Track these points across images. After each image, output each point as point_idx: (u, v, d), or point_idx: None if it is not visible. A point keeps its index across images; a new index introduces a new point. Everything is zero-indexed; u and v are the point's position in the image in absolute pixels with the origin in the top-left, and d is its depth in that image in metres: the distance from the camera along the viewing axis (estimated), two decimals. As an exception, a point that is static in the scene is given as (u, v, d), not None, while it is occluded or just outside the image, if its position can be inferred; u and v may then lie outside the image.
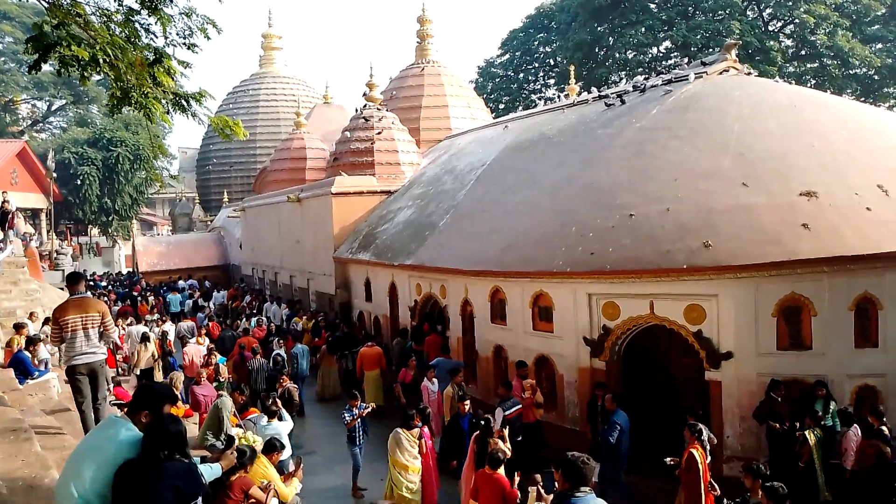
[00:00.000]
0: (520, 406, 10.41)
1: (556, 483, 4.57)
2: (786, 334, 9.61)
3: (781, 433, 9.07)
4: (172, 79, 8.39)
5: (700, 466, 7.78)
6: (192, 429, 11.19)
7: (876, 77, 36.84)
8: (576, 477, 4.17)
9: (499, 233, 13.24)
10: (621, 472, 9.47)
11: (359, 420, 10.34)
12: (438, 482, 9.80)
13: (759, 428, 9.46)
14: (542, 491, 7.07)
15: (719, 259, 9.56)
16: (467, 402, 10.29)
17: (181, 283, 29.58)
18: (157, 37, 8.50)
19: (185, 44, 8.57)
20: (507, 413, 9.96)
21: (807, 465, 8.91)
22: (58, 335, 7.05)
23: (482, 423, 8.83)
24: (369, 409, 10.70)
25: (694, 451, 7.89)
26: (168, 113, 9.08)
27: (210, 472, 4.64)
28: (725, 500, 7.16)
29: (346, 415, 10.47)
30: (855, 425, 8.80)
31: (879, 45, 36.24)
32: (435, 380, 12.16)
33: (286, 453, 9.48)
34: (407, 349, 14.60)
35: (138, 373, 15.37)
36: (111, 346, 15.55)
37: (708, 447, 8.24)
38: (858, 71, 36.89)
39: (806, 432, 8.85)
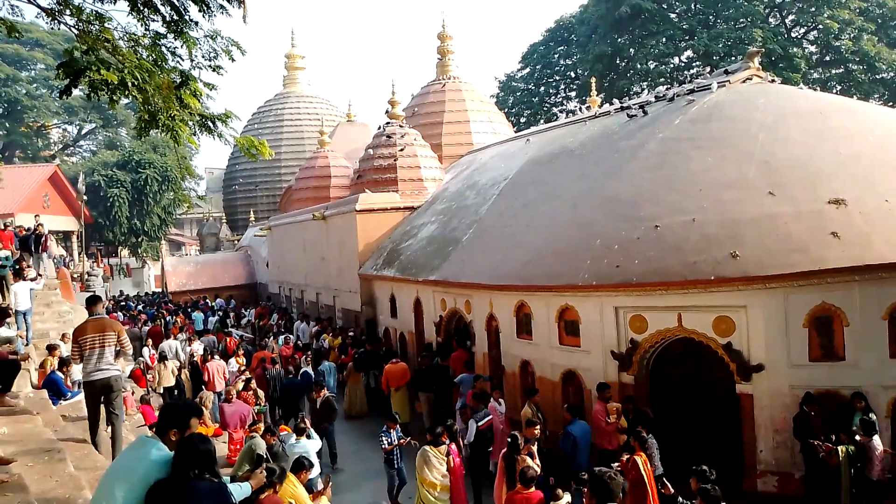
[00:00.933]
0: (491, 417, 10.86)
1: (583, 499, 4.54)
2: (818, 345, 9.41)
3: (818, 449, 8.88)
4: (198, 100, 8.54)
5: (644, 472, 7.92)
6: (222, 448, 11.28)
7: (904, 81, 36.31)
8: (603, 492, 4.15)
9: (522, 247, 13.21)
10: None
11: (397, 445, 10.30)
12: (466, 499, 9.76)
13: (792, 441, 9.27)
14: None
15: (747, 269, 9.43)
16: (537, 427, 9.39)
17: (219, 300, 30.07)
18: (183, 60, 8.66)
19: (210, 66, 8.73)
20: (479, 424, 10.49)
21: (833, 479, 8.73)
22: (77, 353, 7.74)
23: (509, 440, 8.78)
24: (407, 441, 10.52)
25: (637, 458, 8.05)
26: (194, 134, 9.22)
27: (240, 491, 4.68)
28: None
29: (383, 438, 10.42)
30: (876, 436, 8.62)
31: (906, 49, 35.71)
32: (502, 400, 11.58)
33: (315, 471, 9.51)
34: (434, 365, 14.57)
35: (161, 391, 15.56)
36: (142, 367, 15.85)
37: (654, 453, 8.62)
38: (885, 75, 36.39)
39: (839, 447, 8.68)
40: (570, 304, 11.59)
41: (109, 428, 7.95)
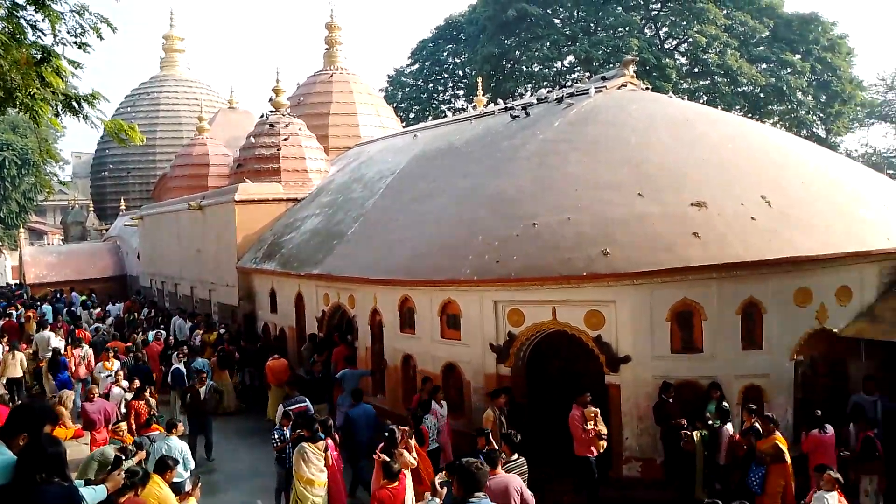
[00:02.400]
0: (305, 404, 11.15)
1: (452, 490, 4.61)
2: (679, 338, 10.05)
3: (677, 433, 9.48)
4: (62, 79, 7.95)
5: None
6: (84, 449, 10.58)
7: (761, 95, 39.34)
8: (470, 483, 4.22)
9: (408, 241, 13.24)
10: (360, 458, 10.21)
11: (289, 443, 9.92)
12: (346, 494, 9.68)
13: (654, 429, 9.85)
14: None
15: (617, 266, 9.91)
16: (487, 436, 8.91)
17: (74, 294, 28.08)
18: (45, 34, 8.04)
19: (76, 43, 8.15)
20: (293, 408, 10.78)
21: (689, 463, 9.37)
22: None
23: (386, 434, 8.77)
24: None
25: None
26: (58, 115, 8.58)
27: (94, 495, 4.39)
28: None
29: (276, 435, 10.08)
30: (729, 423, 9.36)
31: (764, 66, 38.72)
32: (443, 402, 11.05)
33: (186, 472, 9.12)
34: (310, 362, 14.30)
35: (5, 381, 14.62)
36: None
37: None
38: (746, 89, 39.30)
39: (694, 433, 9.31)
40: (452, 298, 11.74)
41: None
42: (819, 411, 9.34)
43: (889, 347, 10.04)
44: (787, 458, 8.50)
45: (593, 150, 12.45)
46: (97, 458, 7.90)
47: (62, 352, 16.14)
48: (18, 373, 15.42)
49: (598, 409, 9.76)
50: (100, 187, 41.52)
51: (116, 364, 14.86)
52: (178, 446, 9.17)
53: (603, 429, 9.68)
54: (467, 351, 11.59)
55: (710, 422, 9.51)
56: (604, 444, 9.72)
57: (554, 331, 10.79)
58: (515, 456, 7.90)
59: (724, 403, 9.69)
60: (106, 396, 12.43)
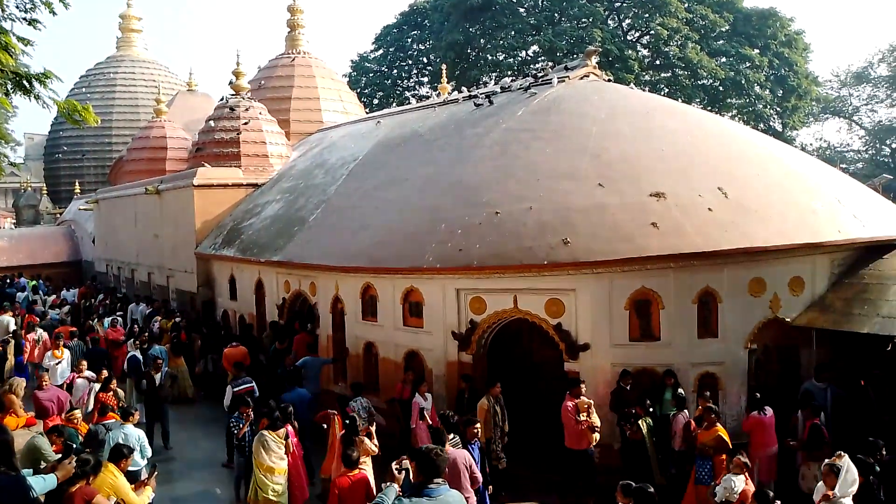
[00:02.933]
0: (251, 384, 11.54)
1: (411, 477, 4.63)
2: (637, 326, 10.21)
3: (625, 428, 9.65)
4: (12, 56, 7.69)
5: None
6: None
7: (721, 88, 40.05)
8: (429, 468, 4.24)
9: (370, 228, 13.17)
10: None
11: (248, 430, 9.76)
12: (308, 481, 9.63)
13: (612, 416, 10.01)
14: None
15: (577, 255, 10.01)
16: (476, 426, 8.67)
17: (22, 280, 27.24)
18: (-10, 10, 7.76)
19: (25, 18, 7.89)
20: (236, 390, 11.22)
21: (641, 451, 9.57)
22: None
23: (346, 421, 8.75)
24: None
25: None
26: (7, 95, 8.30)
27: (43, 483, 4.29)
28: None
29: (234, 423, 9.96)
30: (685, 410, 9.57)
31: (723, 59, 39.39)
32: (428, 395, 10.74)
33: (142, 461, 8.98)
34: (272, 351, 14.17)
35: None
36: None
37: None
38: (706, 82, 39.96)
39: (640, 421, 9.48)
40: (415, 286, 11.73)
41: None
42: (758, 394, 9.60)
43: (839, 336, 10.34)
44: (731, 447, 8.63)
45: (555, 139, 12.52)
46: (36, 445, 7.59)
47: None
48: None
49: (591, 401, 9.49)
50: (54, 170, 40.28)
51: (67, 353, 14.41)
52: (135, 434, 9.00)
53: (596, 421, 9.34)
54: (429, 339, 11.61)
55: (650, 409, 9.73)
56: (596, 436, 9.34)
57: (515, 318, 10.86)
58: (452, 436, 7.97)
59: (680, 391, 9.89)
60: (69, 388, 12.08)
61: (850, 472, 6.87)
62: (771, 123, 41.27)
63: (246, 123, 20.92)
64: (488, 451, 9.40)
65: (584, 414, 9.34)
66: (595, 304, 10.17)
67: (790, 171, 12.12)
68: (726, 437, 8.69)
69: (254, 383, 11.85)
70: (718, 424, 8.85)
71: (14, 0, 7.81)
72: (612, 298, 10.13)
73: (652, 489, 6.41)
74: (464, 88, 20.51)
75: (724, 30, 39.56)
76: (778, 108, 41.22)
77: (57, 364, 14.02)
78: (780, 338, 10.70)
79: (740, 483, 7.40)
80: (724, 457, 8.31)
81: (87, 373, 12.64)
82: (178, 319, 17.82)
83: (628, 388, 9.87)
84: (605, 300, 10.15)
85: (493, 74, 41.15)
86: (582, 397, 9.52)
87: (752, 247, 10.02)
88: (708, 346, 10.22)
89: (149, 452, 9.30)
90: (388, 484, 4.75)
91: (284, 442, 8.93)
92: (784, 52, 39.39)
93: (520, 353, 12.16)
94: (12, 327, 17.03)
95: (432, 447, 4.31)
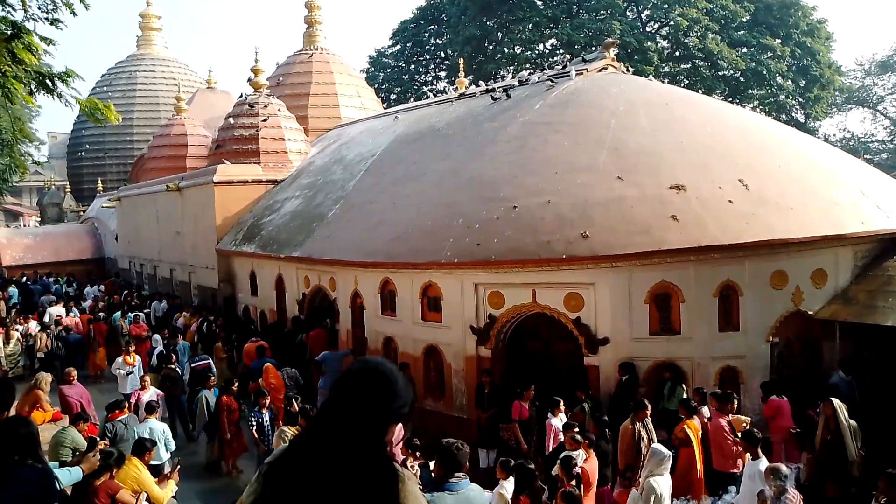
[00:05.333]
0: (207, 361, 12.85)
1: (431, 471, 4.63)
2: (657, 320, 10.15)
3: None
4: (35, 56, 7.78)
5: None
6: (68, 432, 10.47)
7: (742, 79, 39.51)
8: (450, 463, 4.24)
9: (388, 224, 13.21)
10: None
11: (268, 423, 9.89)
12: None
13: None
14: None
15: (596, 249, 9.97)
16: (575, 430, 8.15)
17: (44, 279, 27.70)
18: (15, 10, 7.86)
19: (47, 19, 7.98)
20: (194, 366, 12.49)
21: None
22: None
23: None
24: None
25: None
26: (31, 94, 8.40)
27: (69, 476, 4.37)
28: None
29: (253, 417, 10.05)
30: (704, 407, 9.30)
31: (744, 50, 38.84)
32: (562, 415, 9.24)
33: (166, 454, 9.10)
34: (298, 343, 14.25)
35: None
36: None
37: None
38: (726, 73, 39.43)
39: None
40: (433, 281, 11.75)
41: None
42: (772, 377, 9.69)
43: (863, 329, 10.21)
44: (695, 443, 8.41)
45: (573, 132, 12.46)
46: (65, 440, 7.72)
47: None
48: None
49: (748, 419, 8.67)
50: (76, 168, 40.86)
51: (138, 360, 13.54)
52: (159, 428, 9.14)
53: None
54: (448, 333, 11.63)
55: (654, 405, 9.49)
56: (747, 456, 7.86)
57: (534, 313, 10.85)
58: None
59: (683, 386, 9.83)
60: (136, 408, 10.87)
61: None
62: (793, 114, 40.67)
63: (265, 120, 21.05)
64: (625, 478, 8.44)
65: (740, 433, 8.32)
66: (614, 297, 10.12)
67: (812, 163, 11.97)
68: (692, 433, 8.46)
69: (210, 360, 13.23)
70: (689, 420, 8.65)
71: (36, 1, 7.89)
72: (632, 292, 10.08)
73: (532, 466, 6.54)
74: (481, 83, 20.51)
75: (744, 20, 38.98)
76: (800, 99, 40.60)
77: (129, 373, 13.16)
78: (802, 331, 10.59)
79: (581, 458, 7.54)
80: (688, 449, 8.33)
81: (152, 389, 11.47)
82: (211, 318, 17.72)
83: (622, 380, 9.85)
84: (624, 294, 10.10)
85: (511, 68, 40.92)
86: (737, 415, 8.73)
87: (774, 239, 9.91)
88: (729, 340, 10.14)
89: (172, 446, 9.44)
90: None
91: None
92: (806, 41, 38.76)
93: (538, 347, 12.13)
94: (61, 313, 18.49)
95: (454, 441, 4.31)
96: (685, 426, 8.61)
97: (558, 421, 9.03)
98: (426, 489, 4.29)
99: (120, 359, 13.39)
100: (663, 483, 7.11)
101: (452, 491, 4.14)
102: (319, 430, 2.27)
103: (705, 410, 9.32)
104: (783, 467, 6.82)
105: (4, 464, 3.53)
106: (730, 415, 8.74)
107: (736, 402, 8.95)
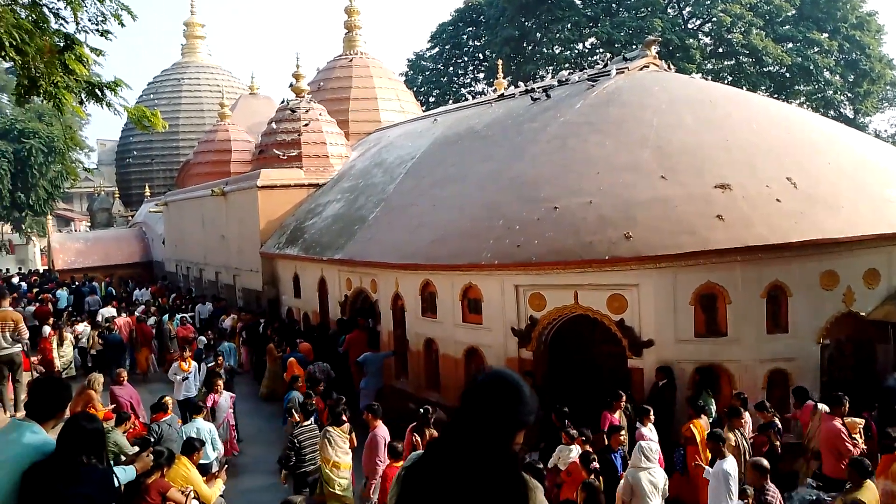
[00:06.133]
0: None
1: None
2: (702, 321, 9.97)
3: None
4: (85, 67, 8.01)
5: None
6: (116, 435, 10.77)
7: (787, 75, 38.59)
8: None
9: (428, 226, 13.26)
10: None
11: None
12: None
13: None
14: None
15: (639, 250, 9.85)
16: (622, 433, 8.41)
17: (93, 283, 28.46)
18: (67, 22, 8.11)
19: (97, 30, 8.20)
20: (209, 365, 12.51)
21: None
22: None
23: (421, 411, 8.90)
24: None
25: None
26: (81, 103, 8.65)
27: (124, 475, 4.49)
28: None
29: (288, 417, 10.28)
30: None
31: (790, 45, 37.92)
32: (651, 425, 8.80)
33: (213, 454, 9.28)
34: (341, 342, 14.34)
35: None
36: (25, 349, 15.03)
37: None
38: (772, 69, 38.54)
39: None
40: (473, 282, 11.75)
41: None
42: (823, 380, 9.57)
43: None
44: (699, 442, 8.39)
45: (615, 131, 12.33)
46: (108, 442, 7.91)
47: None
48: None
49: (862, 420, 8.32)
50: (125, 174, 42.05)
51: (194, 365, 13.17)
52: (206, 428, 9.34)
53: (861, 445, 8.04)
54: (489, 335, 11.61)
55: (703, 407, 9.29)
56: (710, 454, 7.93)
57: (576, 314, 10.76)
58: (309, 421, 9.27)
59: (708, 390, 9.68)
60: (212, 411, 11.09)
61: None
62: (842, 110, 39.55)
63: (306, 125, 21.34)
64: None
65: (857, 435, 8.09)
66: (658, 299, 9.97)
67: (862, 159, 11.63)
68: (696, 432, 8.48)
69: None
70: (696, 420, 8.64)
71: (87, 14, 8.10)
72: (677, 293, 9.92)
73: (541, 465, 6.75)
74: (520, 83, 20.41)
75: (790, 14, 38.07)
76: (849, 94, 39.47)
77: (184, 379, 12.79)
78: (854, 332, 10.29)
79: (574, 453, 7.91)
80: (694, 447, 8.37)
81: (226, 393, 11.68)
82: (261, 321, 17.82)
83: (660, 384, 9.75)
84: (668, 295, 9.95)
85: (550, 68, 40.71)
86: (853, 418, 8.35)
87: (823, 238, 9.65)
88: (778, 342, 9.89)
89: (220, 446, 9.63)
90: None
91: (349, 437, 9.09)
92: (855, 34, 37.67)
93: (579, 348, 12.04)
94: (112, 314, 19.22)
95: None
96: (692, 425, 8.56)
97: (648, 431, 8.67)
98: None
99: (175, 364, 13.13)
100: (657, 475, 7.35)
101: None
102: (453, 437, 2.43)
103: (747, 416, 9.05)
104: (765, 462, 6.97)
105: (73, 462, 3.60)
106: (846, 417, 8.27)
107: (847, 403, 8.39)
